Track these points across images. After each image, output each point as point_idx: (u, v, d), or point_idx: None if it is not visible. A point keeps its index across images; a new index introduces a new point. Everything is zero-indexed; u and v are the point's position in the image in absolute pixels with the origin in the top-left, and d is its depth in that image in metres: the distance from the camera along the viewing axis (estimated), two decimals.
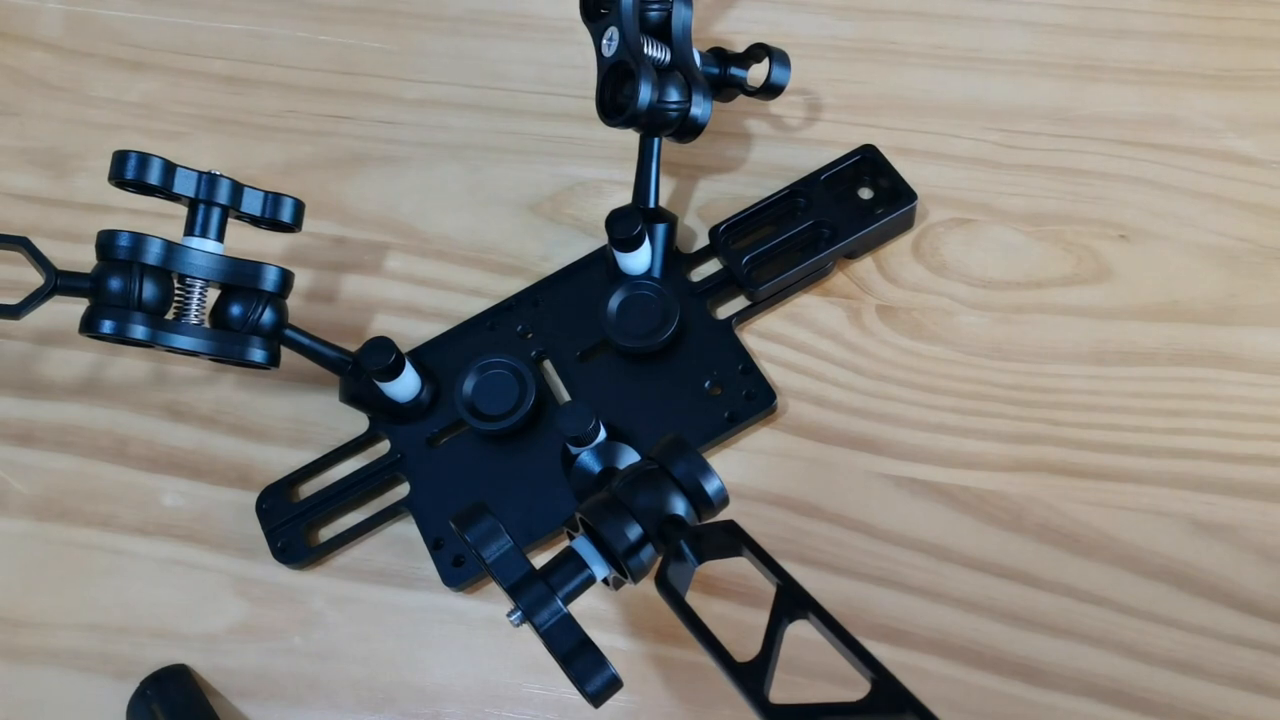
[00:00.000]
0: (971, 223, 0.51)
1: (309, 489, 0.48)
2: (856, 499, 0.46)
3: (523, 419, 0.46)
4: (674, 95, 0.46)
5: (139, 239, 0.42)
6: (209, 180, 0.43)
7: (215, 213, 0.44)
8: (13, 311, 0.41)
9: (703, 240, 0.51)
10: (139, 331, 0.42)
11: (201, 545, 0.48)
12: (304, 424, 0.50)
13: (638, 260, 0.48)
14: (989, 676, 0.43)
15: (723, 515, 0.38)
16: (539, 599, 0.36)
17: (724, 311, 0.49)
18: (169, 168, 0.42)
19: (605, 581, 0.40)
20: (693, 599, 0.37)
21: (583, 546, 0.38)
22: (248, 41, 0.59)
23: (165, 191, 0.42)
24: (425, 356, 0.49)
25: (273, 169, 0.56)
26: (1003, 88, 0.54)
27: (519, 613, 0.36)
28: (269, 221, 0.45)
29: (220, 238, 0.44)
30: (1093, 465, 0.45)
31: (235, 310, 0.44)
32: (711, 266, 0.50)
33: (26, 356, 0.52)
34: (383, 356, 0.44)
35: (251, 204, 0.44)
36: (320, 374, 0.48)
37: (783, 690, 0.33)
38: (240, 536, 0.47)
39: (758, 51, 0.50)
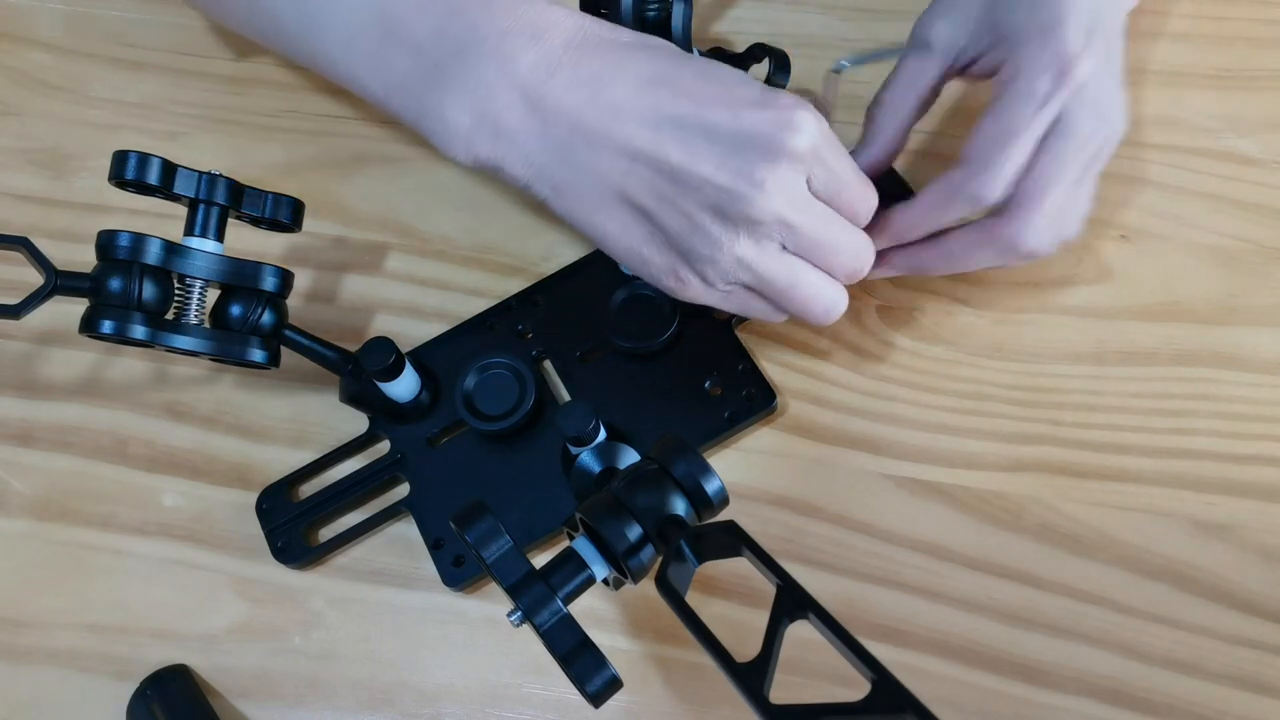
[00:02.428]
0: None
1: (309, 489, 0.48)
2: (856, 499, 0.46)
3: (523, 419, 0.46)
4: None
5: (139, 239, 0.42)
6: (209, 180, 0.43)
7: (215, 213, 0.44)
8: (13, 311, 0.41)
9: None
10: (139, 331, 0.42)
11: (201, 545, 0.48)
12: (304, 424, 0.50)
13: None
14: (989, 676, 0.43)
15: (723, 515, 0.38)
16: (539, 599, 0.36)
17: (724, 311, 0.49)
18: (169, 168, 0.42)
19: (605, 582, 0.40)
20: (693, 599, 0.37)
21: (583, 547, 0.38)
22: (248, 41, 0.59)
23: (165, 192, 0.43)
24: (425, 356, 0.49)
25: (273, 169, 0.56)
26: None
27: (519, 613, 0.36)
28: (269, 221, 0.45)
29: (220, 238, 0.44)
30: (1093, 465, 0.45)
31: (235, 310, 0.44)
32: None
33: (26, 356, 0.52)
34: (383, 356, 0.44)
35: (251, 204, 0.44)
36: (320, 374, 0.48)
37: (783, 690, 0.33)
38: (240, 536, 0.47)
39: (757, 51, 0.50)
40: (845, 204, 0.41)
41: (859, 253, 0.42)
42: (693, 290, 0.42)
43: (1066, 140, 0.41)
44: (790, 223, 0.40)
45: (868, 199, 0.42)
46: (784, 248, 0.41)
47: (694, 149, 0.39)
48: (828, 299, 0.42)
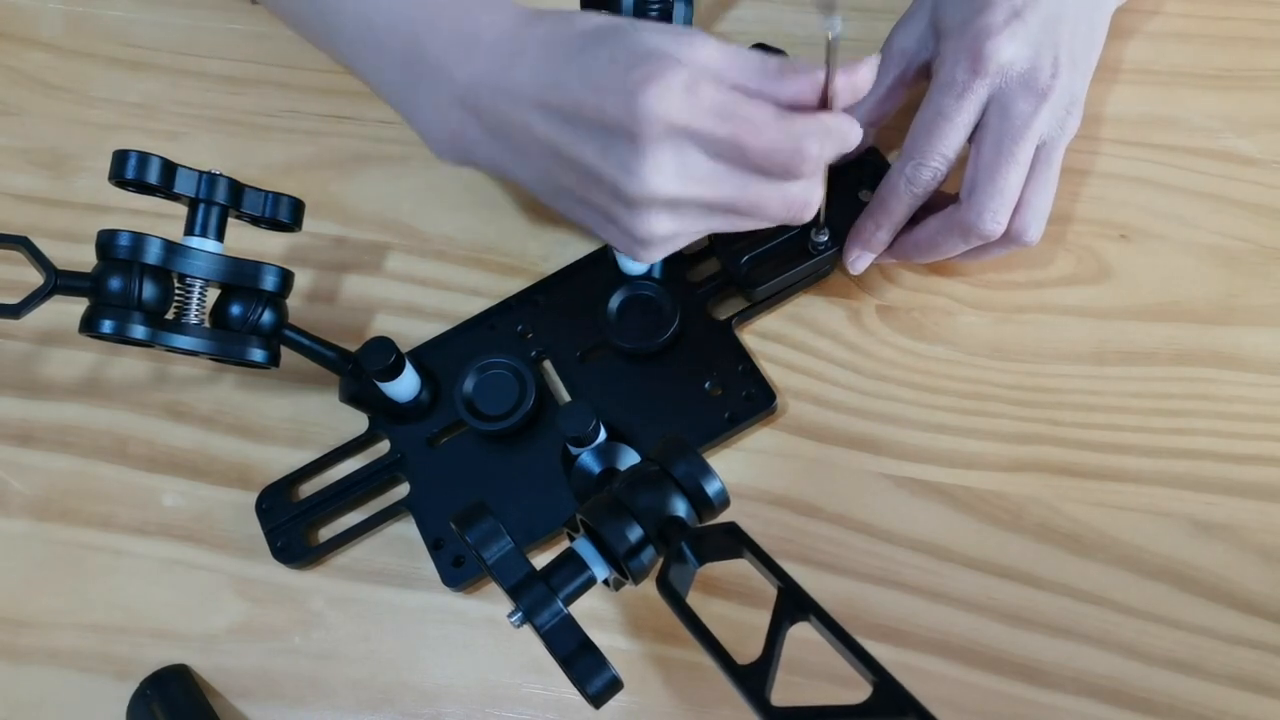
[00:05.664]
0: None
1: (309, 489, 0.48)
2: (857, 499, 0.46)
3: (523, 419, 0.46)
4: None
5: (139, 239, 0.42)
6: (209, 180, 0.43)
7: (215, 212, 0.44)
8: (13, 311, 0.41)
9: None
10: (139, 331, 0.42)
11: (201, 545, 0.48)
12: (304, 424, 0.50)
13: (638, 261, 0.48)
14: (989, 676, 0.43)
15: (723, 516, 0.38)
16: (540, 600, 0.36)
17: (724, 312, 0.49)
18: (169, 167, 0.42)
19: (606, 582, 0.40)
20: (693, 600, 0.37)
21: (583, 548, 0.38)
22: (248, 41, 0.59)
23: (165, 191, 0.43)
24: (425, 356, 0.49)
25: (273, 169, 0.56)
26: None
27: (520, 614, 0.36)
28: (269, 221, 0.45)
29: (220, 237, 0.44)
30: (1093, 465, 0.45)
31: (235, 310, 0.44)
32: (711, 267, 0.50)
33: (26, 356, 0.52)
34: (383, 356, 0.44)
35: (251, 204, 0.44)
36: (320, 374, 0.48)
37: (783, 691, 0.33)
38: (240, 536, 0.47)
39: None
40: (755, 164, 0.37)
41: (789, 201, 0.39)
42: (655, 256, 0.41)
43: (1004, 120, 0.43)
44: (689, 197, 0.37)
45: (781, 151, 0.37)
46: (706, 207, 0.39)
47: (580, 142, 0.38)
48: (779, 221, 0.40)
